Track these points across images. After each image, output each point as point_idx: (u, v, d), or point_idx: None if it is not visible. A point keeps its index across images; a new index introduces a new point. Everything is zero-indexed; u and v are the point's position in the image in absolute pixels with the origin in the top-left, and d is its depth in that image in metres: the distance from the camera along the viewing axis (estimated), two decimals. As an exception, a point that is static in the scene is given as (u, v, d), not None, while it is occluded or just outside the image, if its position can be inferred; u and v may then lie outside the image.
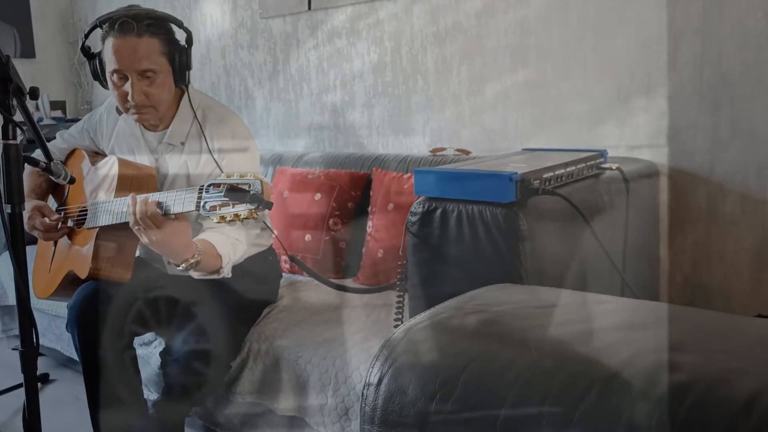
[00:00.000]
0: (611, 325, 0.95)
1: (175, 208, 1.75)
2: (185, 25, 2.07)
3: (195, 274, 1.98)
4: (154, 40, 1.98)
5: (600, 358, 0.85)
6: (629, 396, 0.79)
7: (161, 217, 1.77)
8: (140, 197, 1.80)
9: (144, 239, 1.81)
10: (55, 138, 2.37)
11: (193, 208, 1.70)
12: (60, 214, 2.16)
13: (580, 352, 0.87)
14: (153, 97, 2.01)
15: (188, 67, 2.07)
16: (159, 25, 2.00)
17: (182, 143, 2.12)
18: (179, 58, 2.04)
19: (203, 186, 1.68)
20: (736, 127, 2.15)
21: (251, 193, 1.59)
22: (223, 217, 1.61)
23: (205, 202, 1.65)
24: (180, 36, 2.07)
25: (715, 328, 0.98)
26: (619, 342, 0.89)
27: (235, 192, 1.60)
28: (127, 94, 1.99)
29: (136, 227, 1.79)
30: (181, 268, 1.87)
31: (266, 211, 2.21)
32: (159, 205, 1.78)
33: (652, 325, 0.96)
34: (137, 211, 1.78)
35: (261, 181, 1.61)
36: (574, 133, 2.46)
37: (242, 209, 1.60)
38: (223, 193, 1.61)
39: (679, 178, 2.27)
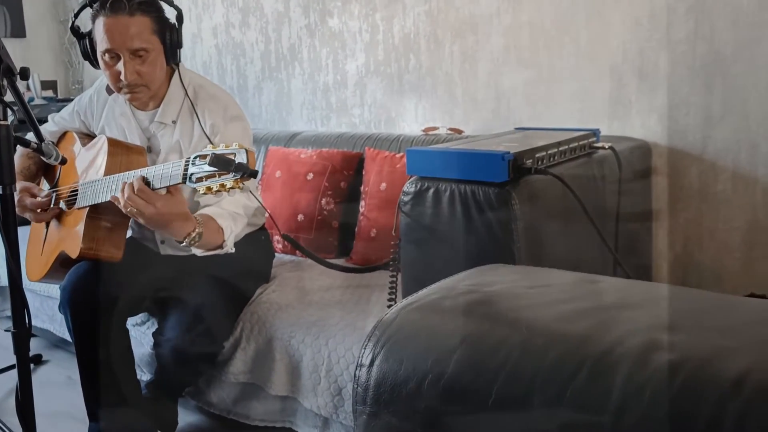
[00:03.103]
0: (602, 304, 0.96)
1: (162, 182, 1.74)
2: (175, 3, 2.05)
3: (198, 252, 1.95)
4: (146, 18, 1.97)
5: (591, 337, 0.85)
6: (620, 374, 0.79)
7: (150, 191, 1.75)
8: (128, 180, 1.78)
9: (140, 219, 1.79)
10: (46, 119, 2.35)
11: (179, 180, 1.69)
12: (52, 195, 2.16)
13: (571, 331, 0.87)
14: (145, 75, 2.00)
15: (179, 45, 2.05)
16: (150, 3, 1.99)
17: (173, 121, 2.11)
18: (170, 37, 2.02)
19: (189, 158, 1.67)
20: (729, 105, 2.15)
21: (236, 162, 1.59)
22: (209, 188, 1.61)
23: (192, 174, 1.65)
24: (170, 14, 2.05)
25: (706, 307, 0.99)
26: (610, 321, 0.89)
27: (220, 162, 1.59)
28: (119, 73, 1.98)
29: (128, 209, 1.77)
30: (184, 243, 1.85)
31: (257, 187, 2.21)
32: (145, 180, 1.76)
33: (644, 305, 0.96)
34: (125, 191, 1.76)
35: (246, 150, 1.60)
36: (567, 112, 2.46)
37: (228, 179, 1.59)
38: (208, 163, 1.61)
39: (672, 157, 2.27)
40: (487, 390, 0.84)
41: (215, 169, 1.60)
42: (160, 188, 1.77)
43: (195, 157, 1.66)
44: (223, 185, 1.60)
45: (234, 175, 1.59)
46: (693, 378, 0.76)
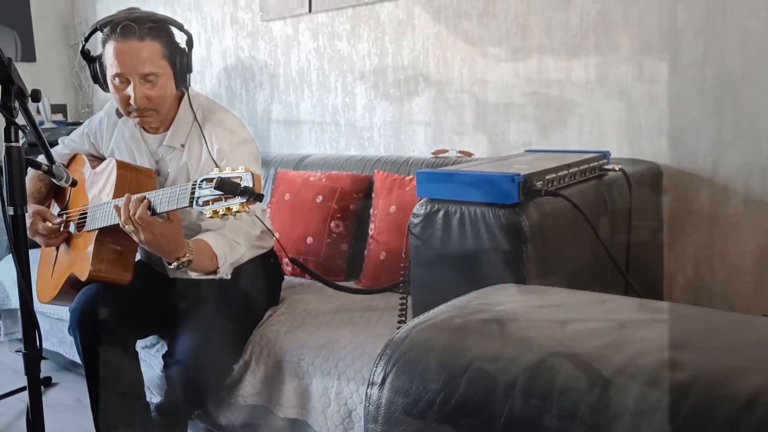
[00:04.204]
0: (613, 324, 0.95)
1: (170, 205, 1.75)
2: (185, 28, 2.07)
3: (193, 274, 1.97)
4: (156, 43, 1.98)
5: (602, 357, 0.84)
6: (632, 394, 0.78)
7: (150, 217, 1.77)
8: (133, 197, 1.79)
9: (135, 238, 1.81)
10: (56, 142, 2.37)
11: (186, 204, 1.70)
12: (62, 217, 2.17)
13: (583, 350, 0.87)
14: (155, 100, 2.02)
15: (189, 69, 2.07)
16: (160, 28, 2.00)
17: (182, 145, 2.12)
18: (180, 61, 2.04)
19: (196, 182, 1.68)
20: (739, 127, 2.15)
21: (242, 186, 1.60)
22: (216, 212, 1.61)
23: (198, 197, 1.66)
24: (180, 39, 2.07)
25: (717, 326, 0.98)
26: (621, 340, 0.89)
27: (226, 186, 1.60)
28: (129, 97, 1.99)
29: (126, 227, 1.79)
30: (173, 266, 1.86)
31: (266, 210, 2.22)
32: (149, 205, 1.78)
33: (654, 324, 0.95)
34: (127, 211, 1.78)
35: (252, 174, 1.61)
36: (576, 135, 2.46)
37: (234, 202, 1.60)
38: (214, 186, 1.62)
39: (682, 180, 2.26)
40: (498, 409, 0.84)
41: (221, 192, 1.61)
42: (162, 213, 1.78)
43: (202, 181, 1.67)
44: (229, 209, 1.61)
45: (240, 199, 1.60)
46: (705, 398, 0.75)
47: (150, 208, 1.78)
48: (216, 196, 1.62)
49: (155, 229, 1.77)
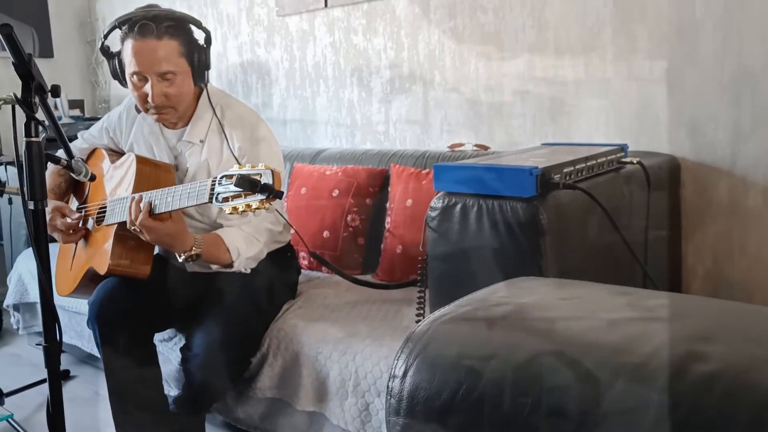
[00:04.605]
0: (636, 315, 0.95)
1: (189, 201, 1.79)
2: (202, 24, 2.08)
3: (214, 267, 2.05)
4: (174, 41, 1.99)
5: (626, 348, 0.84)
6: (657, 386, 0.78)
7: (151, 221, 1.85)
8: (134, 202, 1.87)
9: (142, 237, 1.89)
10: (74, 137, 2.38)
11: (206, 200, 1.72)
12: (81, 212, 2.18)
13: (606, 342, 0.87)
14: (173, 97, 2.03)
15: (207, 66, 2.08)
16: (178, 26, 2.01)
17: (201, 141, 2.13)
18: (198, 59, 2.05)
19: (216, 178, 1.69)
20: (758, 119, 2.13)
21: (262, 183, 1.60)
22: (235, 208, 1.63)
23: (218, 194, 1.67)
24: (199, 36, 2.08)
25: (741, 317, 0.97)
26: (644, 332, 0.88)
27: (246, 183, 1.61)
28: (147, 95, 2.00)
29: (132, 228, 1.88)
30: (182, 259, 1.93)
31: (283, 205, 2.23)
32: (151, 206, 1.86)
33: (678, 316, 0.95)
34: (130, 216, 1.87)
35: (272, 172, 1.61)
36: (594, 128, 2.45)
37: (253, 200, 1.61)
38: (234, 183, 1.63)
39: (701, 172, 2.25)
40: (521, 402, 0.84)
41: (241, 189, 1.62)
42: (171, 211, 1.85)
43: (221, 177, 1.68)
44: (248, 206, 1.62)
45: (260, 196, 1.61)
46: (731, 389, 0.75)
47: (150, 210, 1.85)
48: (236, 193, 1.63)
49: (159, 230, 1.87)
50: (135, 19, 1.97)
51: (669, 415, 0.75)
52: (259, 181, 1.61)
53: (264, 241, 2.08)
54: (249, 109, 2.22)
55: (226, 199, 1.65)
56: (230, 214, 1.65)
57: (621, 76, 2.37)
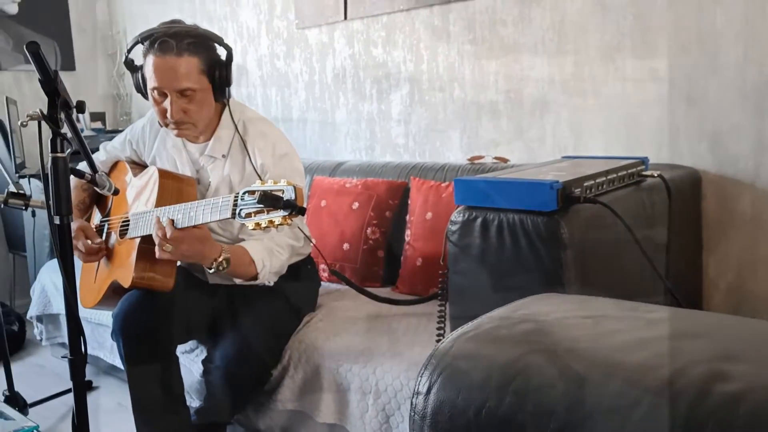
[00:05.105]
0: (661, 334, 0.95)
1: (212, 216, 1.80)
2: (224, 39, 2.10)
3: (237, 281, 2.05)
4: (194, 59, 2.01)
5: (651, 368, 0.84)
6: (682, 406, 0.78)
7: (178, 233, 1.85)
8: (156, 223, 1.88)
9: (175, 256, 1.90)
10: (95, 149, 2.41)
11: (229, 215, 1.74)
12: (104, 225, 2.20)
13: (631, 361, 0.87)
14: (192, 114, 2.04)
15: (228, 83, 2.08)
16: (199, 43, 2.02)
17: (224, 156, 2.14)
18: (219, 75, 2.05)
19: (238, 193, 1.71)
20: (781, 131, 2.12)
21: (285, 199, 1.62)
22: (258, 224, 1.65)
23: (241, 209, 1.69)
24: (221, 52, 2.09)
25: (765, 336, 0.97)
26: (670, 351, 0.88)
27: (269, 199, 1.63)
28: (166, 110, 2.02)
29: (165, 247, 1.87)
30: (212, 270, 1.93)
31: (302, 219, 2.25)
32: (172, 222, 1.86)
33: (703, 334, 0.95)
34: (158, 236, 1.87)
35: (294, 188, 1.63)
36: (614, 140, 2.44)
37: (276, 216, 1.63)
38: (257, 200, 1.65)
39: (723, 184, 2.24)
40: (545, 422, 0.84)
41: (263, 205, 1.64)
42: (195, 225, 1.86)
43: (244, 193, 1.70)
44: (271, 221, 1.63)
45: (282, 212, 1.62)
46: (759, 409, 0.75)
47: (174, 224, 1.86)
48: (258, 209, 1.65)
49: (189, 237, 1.86)
50: (156, 36, 1.99)
51: (695, 436, 0.75)
52: (282, 197, 1.62)
53: (286, 255, 2.10)
54: (270, 124, 2.24)
55: (248, 215, 1.67)
56: (253, 230, 1.67)
57: (641, 88, 2.37)
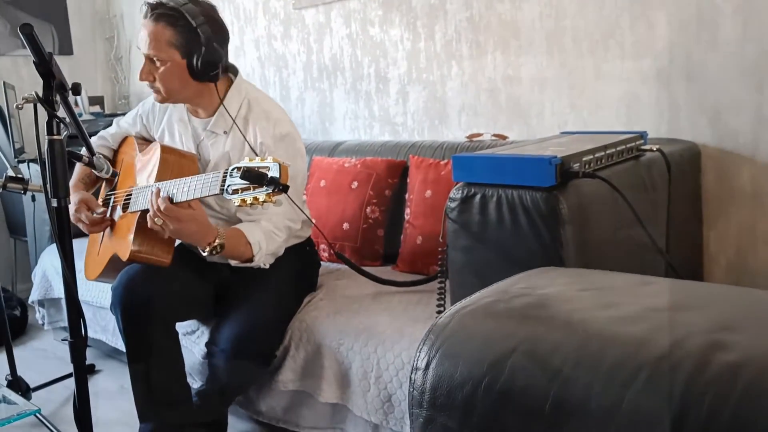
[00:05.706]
0: (659, 306, 0.94)
1: (203, 191, 1.81)
2: (222, 18, 2.09)
3: (232, 262, 2.05)
4: (169, 30, 2.01)
5: (649, 340, 0.84)
6: (680, 378, 0.78)
7: (173, 206, 1.85)
8: (153, 193, 1.87)
9: (165, 232, 1.89)
10: (94, 133, 2.41)
11: (217, 191, 1.75)
12: (109, 198, 2.21)
13: (628, 333, 0.86)
14: (158, 82, 2.07)
15: (212, 64, 2.05)
16: (177, 17, 2.01)
17: (225, 132, 2.15)
18: (197, 55, 2.03)
19: (227, 170, 1.72)
20: (781, 105, 2.11)
21: (269, 176, 1.62)
22: (243, 200, 1.66)
23: (229, 185, 1.70)
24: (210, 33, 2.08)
25: (764, 306, 0.97)
26: (666, 323, 0.88)
27: (252, 175, 1.63)
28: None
29: (156, 220, 1.87)
30: (206, 252, 1.93)
31: (303, 200, 2.24)
32: (170, 198, 1.86)
33: (701, 306, 0.94)
34: (152, 206, 1.87)
35: (280, 165, 1.63)
36: (613, 116, 2.43)
37: (260, 192, 1.63)
38: (240, 176, 1.65)
39: (722, 159, 2.23)
40: (543, 394, 0.84)
41: (248, 182, 1.64)
42: (189, 201, 1.86)
43: (233, 169, 1.71)
44: (256, 198, 1.64)
45: (266, 189, 1.62)
46: (757, 379, 0.75)
47: (170, 199, 1.86)
48: (244, 185, 1.65)
49: (182, 216, 1.86)
50: (147, 1, 2.04)
51: (693, 407, 0.75)
52: (266, 174, 1.63)
53: (284, 237, 2.09)
54: (275, 104, 2.23)
55: (235, 191, 1.68)
56: (239, 206, 1.68)
57: (640, 63, 2.35)
